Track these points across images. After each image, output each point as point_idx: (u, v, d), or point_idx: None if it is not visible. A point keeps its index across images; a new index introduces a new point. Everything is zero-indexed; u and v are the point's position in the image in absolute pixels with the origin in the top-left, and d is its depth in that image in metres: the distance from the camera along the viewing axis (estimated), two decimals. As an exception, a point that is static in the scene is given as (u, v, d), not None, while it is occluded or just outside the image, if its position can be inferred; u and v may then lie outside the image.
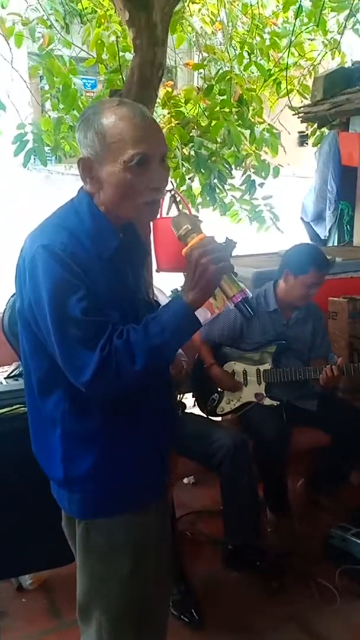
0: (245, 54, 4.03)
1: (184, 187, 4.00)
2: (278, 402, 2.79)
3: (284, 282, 2.78)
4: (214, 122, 3.81)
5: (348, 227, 4.99)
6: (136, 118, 1.34)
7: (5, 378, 2.56)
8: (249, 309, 1.32)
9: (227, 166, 4.05)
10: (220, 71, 3.90)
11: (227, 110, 3.75)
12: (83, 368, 1.28)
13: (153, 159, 1.34)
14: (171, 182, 3.73)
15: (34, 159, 3.87)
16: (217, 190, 4.18)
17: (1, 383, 2.47)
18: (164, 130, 3.81)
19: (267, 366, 2.80)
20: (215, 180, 4.08)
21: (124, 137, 1.33)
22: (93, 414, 1.39)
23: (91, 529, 1.47)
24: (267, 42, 4.04)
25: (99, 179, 1.37)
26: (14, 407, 2.13)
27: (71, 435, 1.41)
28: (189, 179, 4.12)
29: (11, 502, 2.08)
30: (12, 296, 3.13)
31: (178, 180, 3.87)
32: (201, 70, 4.33)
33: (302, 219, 5.28)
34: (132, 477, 1.45)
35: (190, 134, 3.93)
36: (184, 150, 3.97)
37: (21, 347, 1.46)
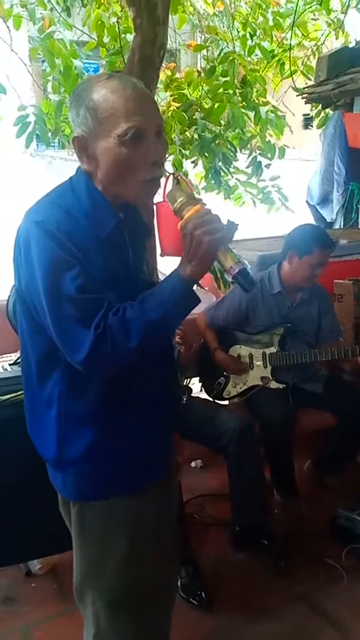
0: (248, 36, 3.96)
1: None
2: (284, 385, 2.79)
3: (289, 264, 2.75)
4: (217, 105, 3.76)
5: (359, 206, 4.95)
6: (127, 90, 1.29)
7: (10, 364, 2.56)
8: (247, 282, 1.27)
9: (231, 149, 4.02)
10: (223, 52, 3.85)
11: (230, 91, 3.70)
12: (78, 346, 1.26)
13: (148, 132, 1.30)
14: (172, 164, 3.70)
15: (37, 144, 3.84)
16: (222, 174, 4.15)
17: (6, 369, 2.47)
18: (166, 115, 3.78)
19: (273, 349, 2.79)
20: (220, 164, 4.05)
21: (116, 110, 1.28)
22: (90, 395, 1.37)
23: (86, 511, 1.46)
24: (271, 23, 3.97)
25: (94, 157, 1.33)
26: (19, 392, 2.12)
27: (67, 416, 1.39)
28: (192, 162, 4.09)
29: (18, 487, 2.09)
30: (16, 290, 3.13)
31: (176, 166, 3.83)
32: (204, 52, 4.28)
33: (307, 202, 5.24)
34: (127, 459, 1.43)
35: (194, 117, 3.89)
36: (187, 133, 3.94)
37: (19, 329, 1.43)
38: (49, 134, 3.80)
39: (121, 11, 3.45)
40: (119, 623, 1.52)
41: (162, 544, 1.54)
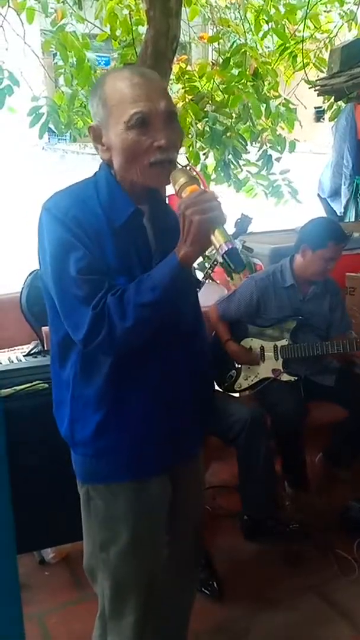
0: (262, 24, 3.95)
1: (198, 167, 3.97)
2: (296, 378, 2.79)
3: (302, 257, 2.75)
4: (231, 97, 3.76)
5: (364, 200, 4.92)
6: (135, 78, 1.32)
7: (24, 355, 2.59)
8: (235, 262, 1.25)
9: (242, 141, 4.01)
10: (235, 44, 3.84)
11: (243, 83, 3.70)
12: (79, 325, 1.30)
13: (155, 117, 1.31)
14: (186, 157, 3.70)
15: (49, 138, 3.86)
16: (232, 166, 4.15)
17: (20, 360, 2.49)
18: (178, 107, 3.78)
19: (285, 342, 2.79)
20: (230, 156, 4.05)
21: (123, 98, 1.31)
22: (98, 380, 1.40)
23: (92, 493, 1.50)
24: (283, 13, 3.95)
25: (108, 145, 1.37)
26: (34, 383, 2.14)
27: (78, 399, 1.44)
28: (204, 154, 4.08)
29: (32, 476, 2.11)
30: (29, 275, 3.16)
31: (192, 159, 3.83)
32: (215, 44, 4.27)
33: (319, 195, 5.22)
34: (131, 447, 1.46)
35: (205, 109, 3.89)
36: (198, 125, 3.93)
37: (48, 314, 1.48)
38: (62, 126, 3.82)
39: (134, 4, 3.45)
40: (121, 609, 1.55)
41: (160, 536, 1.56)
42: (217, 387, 2.94)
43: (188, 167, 2.57)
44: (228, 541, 2.62)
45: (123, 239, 1.36)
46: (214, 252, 1.30)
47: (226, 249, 1.25)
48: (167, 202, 1.53)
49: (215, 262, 2.67)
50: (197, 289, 2.25)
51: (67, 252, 1.30)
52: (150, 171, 1.34)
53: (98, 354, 1.38)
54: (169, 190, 1.47)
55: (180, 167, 1.38)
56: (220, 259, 1.29)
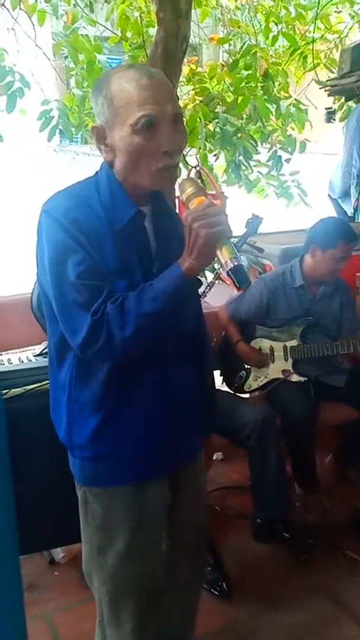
0: (272, 26, 3.95)
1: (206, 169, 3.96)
2: (305, 378, 2.78)
3: (312, 258, 2.74)
4: (240, 98, 3.76)
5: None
6: (143, 79, 1.29)
7: (35, 355, 2.59)
8: (240, 279, 1.24)
9: (252, 142, 4.01)
10: (246, 45, 3.84)
11: (252, 85, 3.69)
12: (77, 330, 1.29)
13: (162, 121, 1.29)
14: (196, 158, 3.70)
15: (60, 140, 3.88)
16: (243, 167, 4.14)
17: (30, 360, 2.50)
18: (188, 108, 3.78)
19: (294, 342, 2.78)
20: (241, 157, 4.05)
21: (130, 99, 1.29)
22: (95, 382, 1.39)
23: (89, 496, 1.50)
24: (293, 15, 3.95)
25: (112, 146, 1.34)
26: (43, 382, 2.15)
27: (75, 401, 1.42)
28: (214, 155, 4.09)
29: (41, 475, 2.12)
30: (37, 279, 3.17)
31: (202, 161, 3.83)
32: (226, 45, 4.27)
33: (329, 196, 5.19)
34: (129, 450, 1.45)
35: (215, 110, 3.89)
36: (208, 127, 3.94)
37: (45, 316, 1.47)
38: (72, 129, 3.83)
39: (145, 5, 3.46)
40: (118, 616, 1.54)
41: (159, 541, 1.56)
42: (226, 388, 2.95)
43: (198, 168, 2.56)
44: (237, 541, 2.62)
45: (124, 241, 1.35)
46: (218, 268, 1.29)
47: (232, 265, 1.24)
48: (169, 203, 1.51)
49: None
50: (202, 297, 2.25)
51: (66, 255, 1.29)
52: (156, 176, 1.33)
53: (88, 360, 1.37)
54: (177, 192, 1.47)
55: (191, 169, 1.38)
56: (225, 275, 1.28)
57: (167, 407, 1.46)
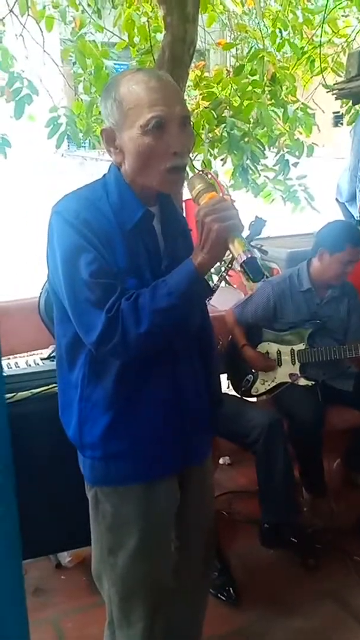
0: (278, 32, 3.95)
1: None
2: (313, 382, 2.77)
3: (319, 261, 2.74)
4: (246, 103, 3.76)
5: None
6: (151, 81, 1.32)
7: (42, 359, 2.60)
8: (254, 272, 1.25)
9: (259, 146, 4.01)
10: (253, 50, 3.84)
11: (258, 90, 3.69)
12: (91, 328, 1.30)
13: (171, 122, 1.31)
14: (202, 163, 3.71)
15: (68, 145, 3.89)
16: (250, 172, 4.14)
17: (38, 364, 2.51)
18: (195, 114, 3.79)
19: (302, 346, 2.77)
20: (248, 161, 4.04)
21: (140, 101, 1.31)
22: (106, 382, 1.40)
23: (100, 496, 1.50)
24: (300, 20, 3.96)
25: (121, 148, 1.36)
26: (50, 386, 2.16)
27: (86, 400, 1.43)
28: (222, 160, 4.09)
29: (48, 478, 2.12)
30: (48, 279, 3.18)
31: (207, 165, 3.84)
32: (233, 50, 4.28)
33: (337, 199, 5.18)
34: (138, 450, 1.45)
35: (222, 115, 3.89)
36: (215, 131, 3.94)
37: (54, 317, 1.48)
38: (80, 135, 3.85)
39: (152, 11, 3.47)
40: (128, 617, 1.54)
41: (168, 541, 1.56)
42: (233, 392, 2.94)
43: (205, 172, 2.56)
44: (245, 546, 2.60)
45: (133, 241, 1.37)
46: (229, 255, 1.30)
47: (245, 258, 1.25)
48: (176, 205, 1.52)
49: (230, 265, 2.66)
50: (209, 297, 2.24)
51: (78, 255, 1.30)
52: (165, 177, 1.35)
53: (103, 357, 1.38)
54: (186, 194, 1.48)
55: (198, 172, 1.39)
56: (238, 268, 1.28)
57: (176, 405, 1.48)
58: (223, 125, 3.88)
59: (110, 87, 1.37)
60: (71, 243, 1.31)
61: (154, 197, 1.43)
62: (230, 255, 1.29)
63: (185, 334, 1.46)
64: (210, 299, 2.50)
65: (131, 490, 1.47)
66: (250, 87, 3.64)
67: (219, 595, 2.31)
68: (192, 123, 3.61)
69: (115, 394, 1.41)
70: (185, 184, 1.43)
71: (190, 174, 1.52)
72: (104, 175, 1.44)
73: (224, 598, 2.31)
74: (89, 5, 3.90)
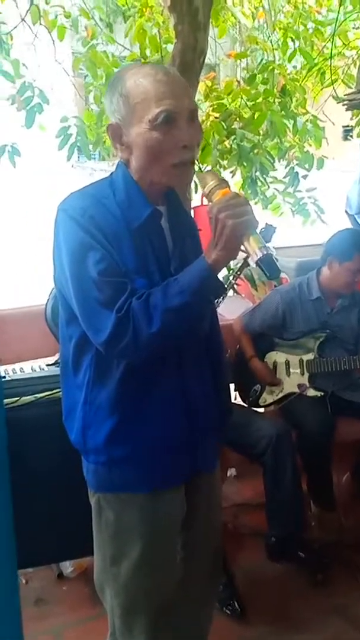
0: (289, 43, 3.97)
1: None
2: (322, 393, 2.72)
3: (328, 270, 2.71)
4: (257, 114, 3.76)
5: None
6: (159, 75, 1.30)
7: (47, 365, 2.58)
8: (270, 269, 1.23)
9: (269, 158, 4.00)
10: (263, 62, 3.85)
11: (270, 100, 3.70)
12: (101, 328, 1.27)
13: (180, 115, 1.29)
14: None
15: (78, 156, 3.89)
16: (259, 184, 4.13)
17: (43, 369, 2.48)
18: (205, 125, 3.79)
19: (311, 356, 2.73)
20: (257, 173, 4.04)
21: (147, 95, 1.28)
22: (111, 384, 1.37)
23: (103, 503, 1.46)
24: (311, 31, 3.97)
25: (128, 144, 1.34)
26: (55, 391, 2.13)
27: (91, 404, 1.40)
28: (231, 172, 4.08)
29: (51, 486, 2.08)
30: (54, 287, 3.17)
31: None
32: (243, 63, 4.29)
33: (346, 212, 5.17)
34: (148, 454, 1.41)
35: (232, 127, 3.89)
36: (225, 143, 3.94)
37: (60, 319, 1.46)
38: (90, 146, 3.86)
39: (163, 22, 3.49)
40: (131, 630, 1.50)
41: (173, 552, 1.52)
42: (241, 402, 2.90)
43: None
44: (251, 560, 2.55)
45: (141, 240, 1.34)
46: (238, 264, 1.28)
47: (260, 255, 1.23)
48: (185, 205, 1.50)
49: (238, 273, 2.64)
50: (220, 298, 2.22)
51: (85, 253, 1.28)
52: (173, 171, 1.32)
53: (113, 359, 1.35)
54: (194, 202, 1.46)
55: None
56: (254, 265, 1.26)
57: (183, 412, 1.44)
58: (233, 137, 3.88)
59: (116, 82, 1.34)
60: (78, 241, 1.29)
61: (162, 196, 1.41)
62: (239, 265, 1.27)
63: (194, 335, 1.43)
64: (219, 304, 2.48)
65: (135, 497, 1.43)
66: (261, 98, 3.64)
67: (223, 608, 2.26)
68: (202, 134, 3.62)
69: (120, 397, 1.38)
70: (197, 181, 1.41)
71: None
72: (111, 173, 1.42)
73: (228, 612, 2.25)
74: (101, 19, 3.93)
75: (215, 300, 1.57)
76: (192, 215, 2.52)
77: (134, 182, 1.36)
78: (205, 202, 1.40)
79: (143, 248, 1.35)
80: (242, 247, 1.26)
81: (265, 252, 1.22)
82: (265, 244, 1.24)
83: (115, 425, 1.39)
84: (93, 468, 1.46)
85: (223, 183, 1.29)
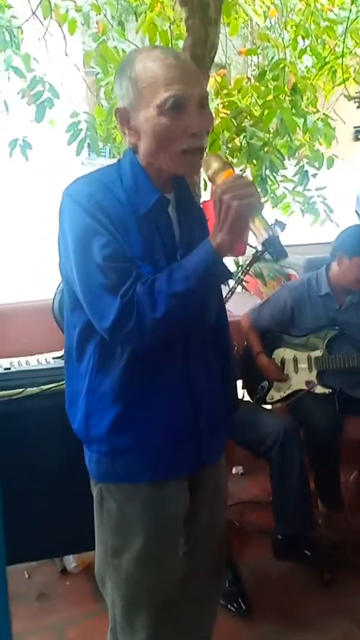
0: (300, 40, 3.94)
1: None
2: (330, 390, 2.69)
3: (338, 266, 2.68)
4: (266, 111, 3.73)
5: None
6: (169, 59, 1.27)
7: (54, 358, 2.56)
8: (276, 251, 1.20)
9: (279, 156, 3.97)
10: (274, 60, 3.83)
11: (280, 97, 3.67)
12: (105, 314, 1.25)
13: (189, 101, 1.26)
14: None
15: (89, 153, 3.87)
16: (269, 182, 4.11)
17: (49, 362, 2.47)
18: (215, 122, 3.77)
19: (319, 353, 2.70)
20: (267, 172, 4.01)
21: (156, 79, 1.26)
22: (115, 373, 1.35)
23: (105, 494, 1.43)
24: (323, 27, 3.94)
25: (136, 129, 1.31)
26: (60, 383, 2.11)
27: (95, 392, 1.38)
28: (241, 170, 4.06)
29: (56, 479, 2.07)
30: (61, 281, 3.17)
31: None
32: (255, 61, 4.27)
33: (356, 212, 5.14)
34: (148, 444, 1.39)
35: (242, 124, 3.87)
36: (235, 141, 3.92)
37: (65, 307, 1.44)
38: (100, 143, 3.84)
39: (173, 15, 3.47)
40: (132, 624, 1.47)
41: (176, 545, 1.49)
42: (248, 399, 2.87)
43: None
44: (257, 558, 2.53)
45: (147, 227, 1.32)
46: (246, 261, 1.26)
47: (266, 236, 1.20)
48: (193, 194, 1.48)
49: (247, 269, 2.62)
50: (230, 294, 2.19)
51: (91, 238, 1.25)
52: (181, 159, 1.30)
53: (118, 345, 1.33)
54: (204, 197, 1.44)
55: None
56: (260, 247, 1.24)
57: (188, 402, 1.42)
58: (243, 135, 3.86)
59: (125, 65, 1.32)
60: (83, 226, 1.27)
61: (169, 184, 1.38)
62: (247, 260, 1.25)
63: (200, 323, 1.40)
64: (228, 299, 2.46)
65: (137, 488, 1.41)
66: (271, 95, 3.61)
67: (228, 606, 2.23)
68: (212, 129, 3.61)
69: (124, 386, 1.36)
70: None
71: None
72: (119, 160, 1.40)
73: (233, 609, 2.23)
74: (112, 17, 3.92)
75: (223, 288, 1.54)
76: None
77: (142, 168, 1.34)
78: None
79: (150, 235, 1.32)
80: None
81: (270, 233, 1.20)
82: (270, 225, 1.21)
83: (119, 413, 1.37)
84: (95, 458, 1.43)
85: (226, 165, 1.26)
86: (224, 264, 1.27)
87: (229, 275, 1.30)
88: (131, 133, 1.33)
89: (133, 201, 1.31)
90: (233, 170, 1.26)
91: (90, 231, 1.26)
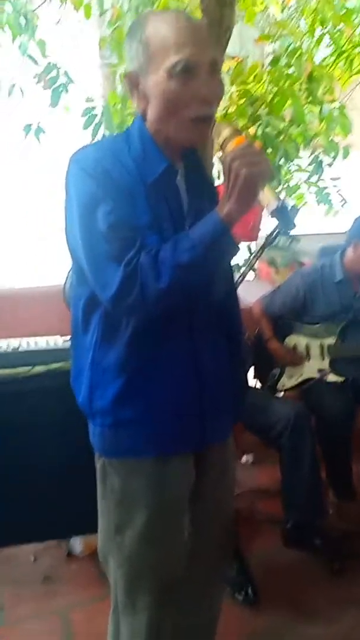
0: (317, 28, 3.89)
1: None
2: (343, 379, 2.65)
3: (353, 252, 2.63)
4: (277, 98, 3.69)
5: None
6: (180, 22, 1.23)
7: (63, 340, 2.54)
8: (285, 220, 1.18)
9: (294, 145, 3.92)
10: (291, 47, 3.78)
11: (295, 85, 3.63)
12: (108, 283, 1.21)
13: (200, 66, 1.22)
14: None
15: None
16: (283, 172, 4.07)
17: (57, 344, 2.45)
18: (231, 109, 3.73)
19: (332, 340, 2.66)
20: (282, 161, 3.97)
21: (167, 43, 1.22)
22: (119, 345, 1.32)
23: (108, 468, 1.41)
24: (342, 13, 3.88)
25: (145, 94, 1.28)
26: (68, 362, 2.09)
27: (98, 364, 1.35)
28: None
29: (61, 459, 2.05)
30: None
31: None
32: (271, 49, 4.21)
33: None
34: (156, 417, 1.36)
35: (257, 113, 3.83)
36: (250, 130, 3.88)
37: (71, 280, 1.42)
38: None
39: (187, 4, 3.43)
40: (134, 604, 1.44)
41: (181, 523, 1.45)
42: (259, 386, 2.83)
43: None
44: (265, 547, 2.49)
45: (155, 196, 1.28)
46: (252, 255, 1.23)
47: (275, 206, 1.17)
48: (204, 165, 1.44)
49: (260, 253, 2.57)
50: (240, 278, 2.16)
51: (96, 206, 1.22)
52: (189, 127, 1.26)
53: (121, 316, 1.30)
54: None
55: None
56: (269, 216, 1.21)
57: (192, 376, 1.38)
58: (258, 124, 3.82)
59: (136, 27, 1.28)
60: (89, 193, 1.23)
61: (178, 154, 1.34)
62: (259, 246, 1.22)
63: (205, 297, 1.36)
64: (239, 283, 2.41)
65: (142, 462, 1.38)
66: (284, 82, 3.57)
67: (235, 594, 2.20)
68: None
69: (128, 358, 1.33)
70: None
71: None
72: (127, 128, 1.37)
73: (241, 598, 2.19)
74: (128, 9, 3.89)
75: (232, 262, 1.50)
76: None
77: (150, 136, 1.30)
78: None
79: (157, 204, 1.29)
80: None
81: (279, 203, 1.18)
82: (280, 196, 1.20)
83: (123, 386, 1.34)
84: (99, 431, 1.41)
85: (237, 132, 1.22)
86: (231, 236, 1.23)
87: (236, 248, 1.26)
88: (140, 98, 1.29)
89: (141, 169, 1.28)
90: (244, 137, 1.22)
91: (97, 199, 1.22)
